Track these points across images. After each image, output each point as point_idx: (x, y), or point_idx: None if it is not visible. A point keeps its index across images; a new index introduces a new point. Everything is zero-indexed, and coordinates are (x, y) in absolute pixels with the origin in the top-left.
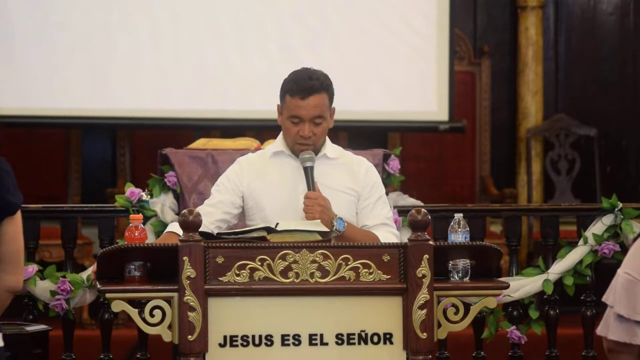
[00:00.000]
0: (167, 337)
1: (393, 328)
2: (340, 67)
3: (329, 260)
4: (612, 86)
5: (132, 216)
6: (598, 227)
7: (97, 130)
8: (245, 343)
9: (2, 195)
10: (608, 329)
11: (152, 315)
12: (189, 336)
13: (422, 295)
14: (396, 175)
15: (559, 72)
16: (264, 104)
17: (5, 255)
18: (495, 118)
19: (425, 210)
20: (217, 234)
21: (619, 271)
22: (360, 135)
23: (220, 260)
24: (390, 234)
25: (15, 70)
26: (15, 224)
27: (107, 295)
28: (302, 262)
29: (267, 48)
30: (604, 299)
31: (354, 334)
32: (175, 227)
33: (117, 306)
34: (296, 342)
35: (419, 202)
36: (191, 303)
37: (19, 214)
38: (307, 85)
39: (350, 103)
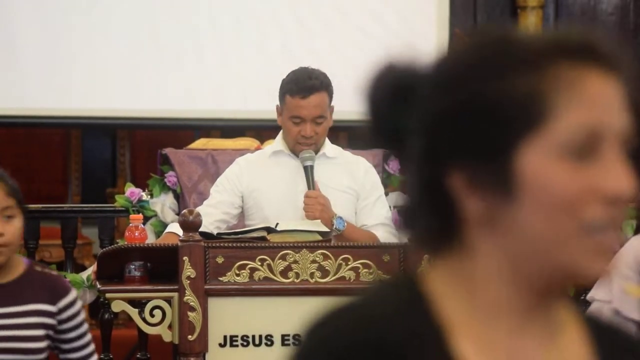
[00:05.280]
0: (167, 337)
1: None
2: (340, 67)
3: (329, 260)
4: None
5: (132, 216)
6: None
7: (97, 130)
8: (245, 343)
9: None
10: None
11: (152, 315)
12: (189, 336)
13: None
14: (396, 175)
15: None
16: (264, 104)
17: None
18: None
19: None
20: (217, 234)
21: None
22: (360, 136)
23: (220, 260)
24: (389, 234)
25: (15, 70)
26: None
27: (107, 295)
28: (302, 262)
29: (267, 48)
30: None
31: None
32: (175, 228)
33: (117, 306)
34: (296, 342)
35: None
36: (191, 303)
37: None
38: (307, 84)
39: (351, 103)
